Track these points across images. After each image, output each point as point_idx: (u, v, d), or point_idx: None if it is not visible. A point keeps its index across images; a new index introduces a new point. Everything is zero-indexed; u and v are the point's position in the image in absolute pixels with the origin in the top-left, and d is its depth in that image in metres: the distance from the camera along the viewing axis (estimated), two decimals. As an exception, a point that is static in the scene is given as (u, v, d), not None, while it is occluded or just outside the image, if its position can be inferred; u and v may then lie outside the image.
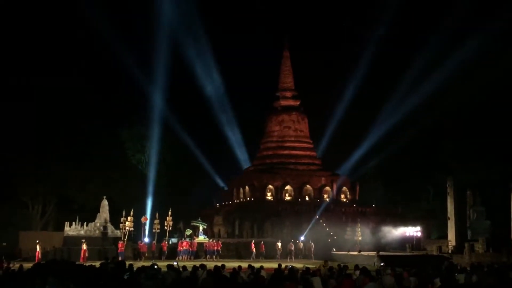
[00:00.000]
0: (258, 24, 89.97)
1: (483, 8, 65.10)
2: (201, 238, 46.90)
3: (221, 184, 71.48)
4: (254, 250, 45.13)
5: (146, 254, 42.81)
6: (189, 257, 42.91)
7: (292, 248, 45.74)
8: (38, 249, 39.01)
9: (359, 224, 51.52)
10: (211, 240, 46.48)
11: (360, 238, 50.16)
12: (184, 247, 43.64)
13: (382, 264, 29.99)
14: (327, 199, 63.22)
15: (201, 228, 48.39)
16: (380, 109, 67.63)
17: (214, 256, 43.36)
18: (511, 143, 56.80)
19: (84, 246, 39.99)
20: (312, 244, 46.94)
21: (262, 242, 46.28)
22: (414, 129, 65.57)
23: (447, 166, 58.01)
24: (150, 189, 58.20)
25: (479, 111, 60.85)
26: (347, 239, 51.31)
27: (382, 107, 67.30)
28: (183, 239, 45.99)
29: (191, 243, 44.36)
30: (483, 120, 61.10)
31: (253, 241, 46.73)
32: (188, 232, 47.66)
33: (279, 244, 46.13)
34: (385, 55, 74.32)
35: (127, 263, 20.56)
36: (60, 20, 65.85)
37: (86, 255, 39.47)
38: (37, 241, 39.93)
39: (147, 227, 46.94)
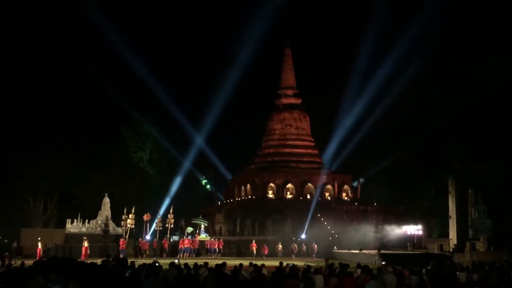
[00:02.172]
0: (259, 21, 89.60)
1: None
2: (203, 236, 46.85)
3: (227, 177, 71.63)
4: (254, 250, 45.07)
5: (147, 252, 42.84)
6: (190, 255, 42.94)
7: (295, 249, 45.71)
8: (39, 247, 38.92)
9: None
10: (212, 239, 46.42)
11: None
12: (186, 245, 43.63)
13: (383, 262, 29.97)
14: (329, 197, 63.22)
15: (202, 226, 48.29)
16: (383, 108, 67.63)
17: (215, 254, 43.36)
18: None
19: (86, 244, 39.82)
20: (315, 245, 46.81)
21: (265, 244, 46.13)
22: (417, 129, 65.61)
23: (449, 165, 57.98)
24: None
25: (481, 111, 60.90)
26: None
27: (385, 106, 67.32)
28: (184, 237, 45.98)
29: (192, 241, 44.40)
30: (486, 119, 61.15)
31: (254, 241, 46.72)
32: (189, 230, 47.59)
33: (280, 246, 46.21)
34: (388, 54, 74.21)
35: (129, 260, 20.58)
36: (61, 17, 65.99)
37: (88, 252, 39.36)
38: (39, 238, 39.87)
39: (153, 225, 46.88)
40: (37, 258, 34.17)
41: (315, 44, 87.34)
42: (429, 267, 19.33)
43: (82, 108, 60.49)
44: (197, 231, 48.38)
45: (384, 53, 71.11)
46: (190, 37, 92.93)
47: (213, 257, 42.10)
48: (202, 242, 45.31)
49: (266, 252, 44.52)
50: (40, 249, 38.74)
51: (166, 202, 53.27)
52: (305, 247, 47.52)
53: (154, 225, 46.59)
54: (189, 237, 45.72)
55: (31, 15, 63.98)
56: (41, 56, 63.72)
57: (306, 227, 51.87)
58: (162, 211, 49.00)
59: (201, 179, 51.00)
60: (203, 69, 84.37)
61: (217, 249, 44.05)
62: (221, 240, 45.85)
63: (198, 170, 70.77)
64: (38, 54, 63.72)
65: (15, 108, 57.32)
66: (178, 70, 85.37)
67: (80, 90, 61.68)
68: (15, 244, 43.41)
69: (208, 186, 73.31)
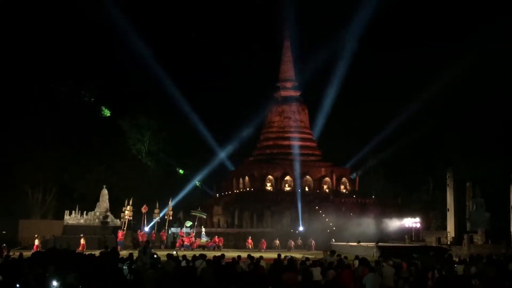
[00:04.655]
0: (258, 14, 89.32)
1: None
2: (203, 240, 46.13)
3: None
4: (251, 247, 45.02)
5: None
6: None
7: (292, 246, 45.79)
8: (36, 243, 38.07)
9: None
10: (212, 239, 45.88)
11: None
12: (185, 243, 43.46)
13: (379, 255, 30.01)
14: (327, 190, 63.28)
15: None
16: (382, 102, 67.71)
17: (213, 248, 43.18)
18: (511, 136, 56.93)
19: (82, 241, 39.03)
20: (313, 242, 46.93)
21: (263, 238, 46.13)
22: (416, 121, 65.62)
23: (448, 158, 58.03)
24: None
25: (480, 105, 60.94)
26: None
27: (385, 99, 67.41)
28: (183, 230, 45.80)
29: (192, 242, 44.12)
30: (484, 113, 61.20)
31: (250, 238, 46.77)
32: (188, 224, 47.36)
33: (277, 241, 46.31)
34: (390, 51, 74.25)
35: (127, 252, 20.59)
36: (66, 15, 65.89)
37: (85, 250, 38.18)
38: (36, 235, 39.23)
39: (155, 218, 46.76)
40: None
41: (315, 36, 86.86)
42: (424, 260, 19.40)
43: (82, 100, 60.36)
44: (195, 223, 48.10)
45: (383, 49, 71.21)
46: (189, 30, 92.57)
47: (211, 249, 42.11)
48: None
49: (264, 247, 44.52)
50: (36, 245, 38.16)
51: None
52: (301, 241, 47.61)
53: (155, 217, 46.53)
54: (188, 230, 45.61)
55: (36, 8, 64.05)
56: (39, 49, 63.41)
57: (300, 219, 52.20)
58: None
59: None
60: (202, 63, 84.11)
61: (215, 246, 44.02)
62: (221, 238, 45.67)
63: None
64: (37, 47, 63.40)
65: (14, 100, 57.08)
66: (177, 65, 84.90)
67: (79, 84, 61.43)
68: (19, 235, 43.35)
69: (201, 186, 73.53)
